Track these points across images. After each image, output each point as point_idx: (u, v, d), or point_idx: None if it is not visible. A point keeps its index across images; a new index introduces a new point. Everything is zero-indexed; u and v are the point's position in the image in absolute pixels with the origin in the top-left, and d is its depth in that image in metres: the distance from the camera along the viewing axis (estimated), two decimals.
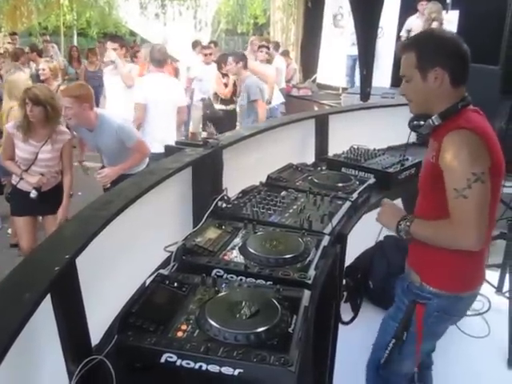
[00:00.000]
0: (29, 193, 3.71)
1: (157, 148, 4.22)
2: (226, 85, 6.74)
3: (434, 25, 7.41)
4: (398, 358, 1.98)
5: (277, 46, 9.76)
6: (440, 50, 1.77)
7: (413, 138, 2.57)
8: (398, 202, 2.95)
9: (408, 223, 1.82)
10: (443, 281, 1.88)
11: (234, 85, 6.58)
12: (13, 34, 10.85)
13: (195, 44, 9.23)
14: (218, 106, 6.86)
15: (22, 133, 3.60)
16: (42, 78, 5.81)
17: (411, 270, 1.97)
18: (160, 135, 4.47)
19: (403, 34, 7.92)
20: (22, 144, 3.64)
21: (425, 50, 1.78)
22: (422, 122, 1.83)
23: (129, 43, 11.27)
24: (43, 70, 5.86)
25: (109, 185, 3.76)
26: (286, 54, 9.91)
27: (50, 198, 3.81)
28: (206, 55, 8.02)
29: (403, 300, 1.98)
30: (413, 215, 1.88)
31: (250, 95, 5.53)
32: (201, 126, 8.27)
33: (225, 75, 6.74)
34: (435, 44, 1.80)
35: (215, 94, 6.92)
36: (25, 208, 3.83)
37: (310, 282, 1.58)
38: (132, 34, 17.68)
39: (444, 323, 1.98)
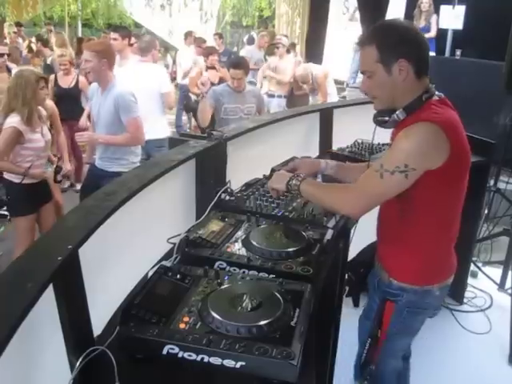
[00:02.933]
0: (35, 184, 3.63)
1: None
2: (202, 84, 5.93)
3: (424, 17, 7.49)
4: (380, 356, 1.97)
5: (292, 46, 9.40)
6: (402, 41, 1.68)
7: None
8: None
9: (298, 180, 1.84)
10: (409, 275, 1.86)
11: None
12: (18, 25, 10.80)
13: (187, 35, 9.18)
14: (194, 97, 6.66)
15: (27, 124, 3.49)
16: (62, 69, 5.82)
17: (380, 267, 1.96)
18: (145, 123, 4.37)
19: None
20: (32, 135, 3.54)
21: (386, 41, 1.69)
22: (386, 118, 1.77)
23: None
24: (64, 65, 5.81)
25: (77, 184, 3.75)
26: (292, 47, 9.86)
27: (43, 186, 3.77)
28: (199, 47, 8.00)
29: (374, 298, 1.97)
30: (304, 175, 1.89)
31: None
32: None
33: (210, 68, 6.42)
34: (397, 35, 1.70)
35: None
36: (33, 204, 3.70)
37: (312, 275, 1.58)
38: (137, 25, 17.64)
39: (417, 318, 1.94)
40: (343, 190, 1.83)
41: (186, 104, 7.19)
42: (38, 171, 3.62)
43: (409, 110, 1.72)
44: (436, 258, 1.86)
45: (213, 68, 6.42)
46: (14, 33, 10.23)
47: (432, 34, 7.58)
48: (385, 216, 1.94)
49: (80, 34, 15.22)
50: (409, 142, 1.64)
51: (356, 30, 9.85)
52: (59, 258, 1.23)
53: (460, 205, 1.85)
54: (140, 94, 4.33)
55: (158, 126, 4.60)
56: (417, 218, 1.79)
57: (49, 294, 1.21)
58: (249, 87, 4.86)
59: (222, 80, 5.79)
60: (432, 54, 7.27)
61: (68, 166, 3.99)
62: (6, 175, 3.69)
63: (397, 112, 1.74)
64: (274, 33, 10.94)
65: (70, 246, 1.29)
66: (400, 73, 1.68)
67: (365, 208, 1.74)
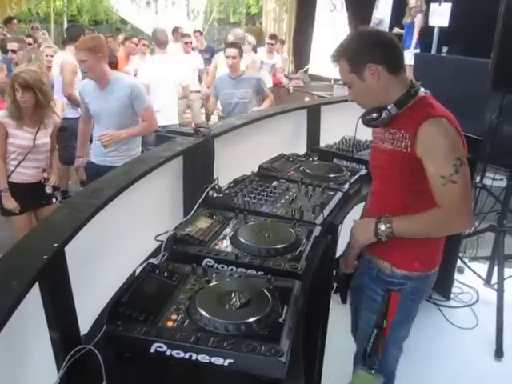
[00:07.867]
0: (26, 184, 3.59)
1: (163, 121, 4.74)
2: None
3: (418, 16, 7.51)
4: (384, 346, 2.01)
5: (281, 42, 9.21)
6: (364, 46, 1.79)
7: None
8: None
9: (388, 225, 1.82)
10: (415, 262, 1.92)
11: None
12: (10, 18, 10.59)
13: (174, 30, 9.14)
14: None
15: (15, 120, 3.46)
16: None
17: (378, 259, 1.98)
18: (165, 110, 5.13)
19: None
20: (17, 131, 3.50)
21: (352, 53, 1.80)
22: (375, 115, 1.83)
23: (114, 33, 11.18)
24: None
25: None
26: (280, 43, 9.88)
27: (43, 188, 3.71)
28: (186, 43, 7.99)
29: (375, 289, 2.00)
30: (383, 215, 1.86)
31: None
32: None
33: None
34: (358, 42, 1.82)
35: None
36: (24, 203, 3.61)
37: (300, 272, 1.58)
38: (123, 22, 17.51)
39: (417, 304, 2.04)
40: (435, 215, 1.77)
41: None
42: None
43: (400, 105, 1.79)
44: (434, 244, 1.96)
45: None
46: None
47: (413, 42, 7.57)
48: (386, 211, 1.91)
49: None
50: (440, 141, 1.71)
51: (345, 26, 9.86)
52: (45, 257, 1.22)
53: None
54: (162, 85, 5.18)
55: (171, 115, 5.28)
56: (422, 209, 1.81)
57: (34, 293, 1.20)
58: (247, 74, 5.18)
59: None
60: (417, 51, 7.31)
61: (53, 178, 3.85)
62: None
63: (388, 108, 1.80)
64: (260, 29, 10.93)
65: (55, 244, 1.28)
66: (372, 76, 1.78)
67: (469, 212, 1.78)
